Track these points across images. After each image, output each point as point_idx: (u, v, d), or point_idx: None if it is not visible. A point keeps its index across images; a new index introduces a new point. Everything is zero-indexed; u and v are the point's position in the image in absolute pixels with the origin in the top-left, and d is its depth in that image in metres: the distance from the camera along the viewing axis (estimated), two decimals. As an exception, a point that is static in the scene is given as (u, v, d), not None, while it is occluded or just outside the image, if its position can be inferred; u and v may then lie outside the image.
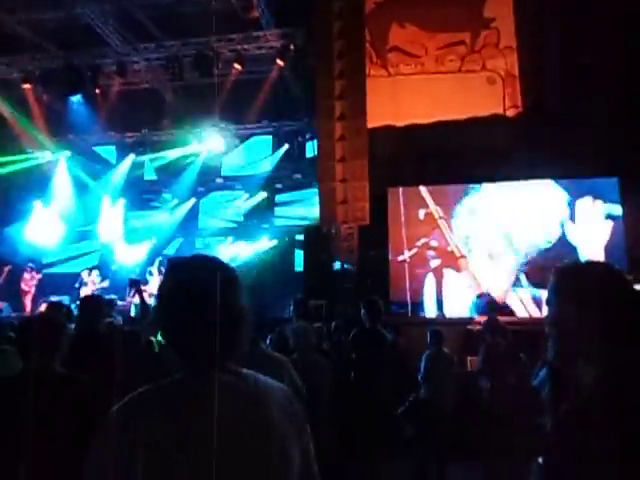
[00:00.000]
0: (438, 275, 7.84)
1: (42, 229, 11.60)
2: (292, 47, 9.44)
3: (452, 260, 7.87)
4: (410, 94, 8.48)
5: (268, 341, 3.69)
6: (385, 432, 2.94)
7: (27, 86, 10.02)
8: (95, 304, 3.54)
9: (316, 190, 9.30)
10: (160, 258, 10.67)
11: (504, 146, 7.56)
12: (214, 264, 1.04)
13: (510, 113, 8.32)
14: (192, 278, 0.99)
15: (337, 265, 8.22)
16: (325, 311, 6.72)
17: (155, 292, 9.52)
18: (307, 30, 9.24)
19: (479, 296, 7.64)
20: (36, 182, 11.88)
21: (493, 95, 8.36)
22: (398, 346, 3.39)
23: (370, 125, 8.21)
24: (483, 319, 5.59)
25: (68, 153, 11.79)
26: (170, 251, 12.29)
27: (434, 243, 7.97)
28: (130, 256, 11.46)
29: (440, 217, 7.99)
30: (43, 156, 11.56)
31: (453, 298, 7.76)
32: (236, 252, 12.06)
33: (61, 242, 11.88)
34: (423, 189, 8.00)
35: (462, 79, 8.41)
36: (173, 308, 0.98)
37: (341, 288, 7.84)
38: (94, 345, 3.14)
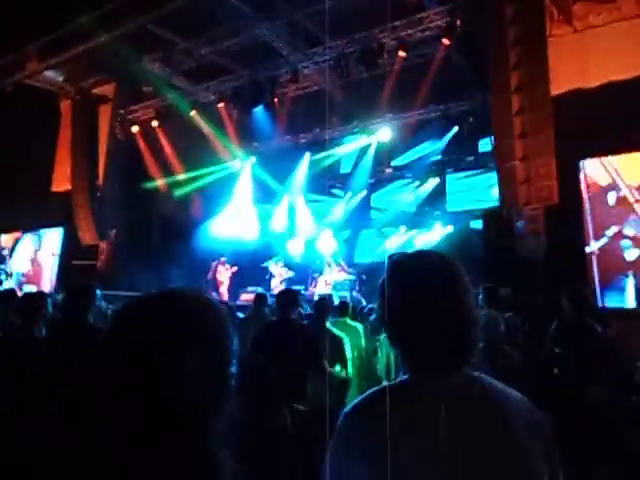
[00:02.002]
0: (637, 269, 6.57)
1: (238, 226, 13.28)
2: (458, 22, 8.94)
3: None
4: (604, 48, 7.27)
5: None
6: (602, 443, 2.55)
7: (221, 105, 11.51)
8: (289, 296, 3.90)
9: (490, 172, 8.69)
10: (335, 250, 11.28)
11: None
12: (438, 260, 0.97)
13: None
14: (418, 276, 0.93)
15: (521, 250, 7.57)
16: (510, 299, 6.26)
17: (331, 280, 10.11)
18: (474, 1, 8.65)
19: None
20: (229, 187, 13.64)
21: None
22: (611, 341, 2.94)
23: (554, 92, 7.31)
24: None
25: (254, 159, 13.22)
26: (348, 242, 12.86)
27: (630, 231, 6.69)
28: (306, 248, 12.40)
29: (637, 200, 6.69)
30: (234, 164, 13.17)
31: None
32: (410, 241, 12.03)
33: (254, 238, 13.36)
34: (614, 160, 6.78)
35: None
36: (399, 309, 0.93)
37: (526, 275, 7.20)
38: (288, 331, 3.52)
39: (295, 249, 12.64)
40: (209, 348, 0.73)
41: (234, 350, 0.77)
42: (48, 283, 12.05)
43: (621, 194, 6.80)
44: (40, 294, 3.72)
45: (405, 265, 1.00)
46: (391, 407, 0.88)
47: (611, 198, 6.88)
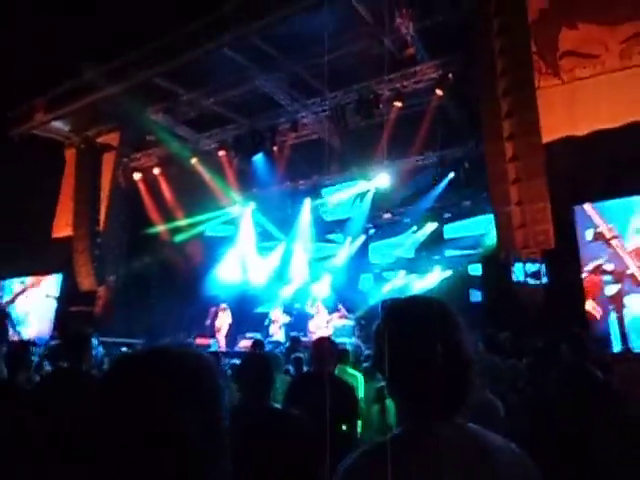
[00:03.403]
0: (617, 303, 6.69)
1: (236, 272, 13.28)
2: (450, 75, 9.34)
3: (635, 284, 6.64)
4: (590, 99, 7.57)
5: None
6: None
7: (222, 153, 11.79)
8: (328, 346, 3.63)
9: (486, 217, 8.80)
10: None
11: None
12: (431, 305, 0.97)
13: None
14: (412, 321, 0.94)
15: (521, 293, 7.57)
16: (510, 344, 6.19)
17: (323, 324, 10.01)
18: (465, 54, 9.06)
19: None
20: (229, 233, 13.76)
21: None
22: (613, 388, 2.89)
23: (546, 140, 7.53)
24: None
25: (253, 205, 13.40)
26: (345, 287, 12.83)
27: (609, 266, 6.90)
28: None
29: (613, 236, 6.97)
30: (233, 210, 13.34)
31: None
32: (409, 286, 12.01)
33: (261, 283, 13.33)
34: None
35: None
36: (395, 355, 0.92)
37: (526, 319, 7.16)
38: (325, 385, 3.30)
39: (288, 294, 12.66)
40: (204, 406, 0.72)
41: (226, 404, 0.77)
42: (45, 329, 11.92)
43: (598, 230, 7.15)
44: (22, 343, 3.65)
45: (399, 311, 1.00)
46: (386, 462, 0.86)
47: (589, 234, 7.25)
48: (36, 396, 2.75)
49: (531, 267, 7.63)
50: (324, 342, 3.68)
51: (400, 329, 0.95)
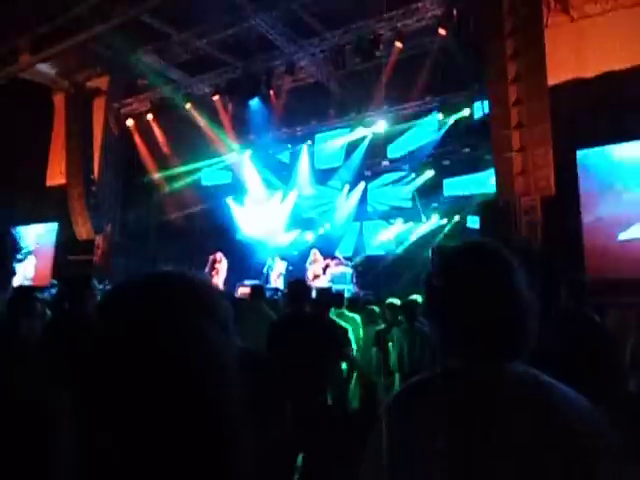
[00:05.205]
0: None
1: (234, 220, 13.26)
2: (454, 12, 8.88)
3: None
4: (601, 38, 7.25)
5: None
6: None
7: (216, 98, 11.41)
8: (302, 287, 3.77)
9: (486, 172, 8.67)
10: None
11: None
12: (490, 250, 0.95)
13: None
14: (471, 267, 0.91)
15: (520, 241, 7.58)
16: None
17: (320, 271, 10.12)
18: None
19: None
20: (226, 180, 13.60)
21: None
22: (609, 333, 2.94)
23: (551, 82, 7.28)
24: None
25: (249, 152, 13.15)
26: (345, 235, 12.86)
27: None
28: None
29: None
30: (231, 158, 13.09)
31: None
32: (406, 233, 12.04)
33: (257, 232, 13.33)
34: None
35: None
36: (454, 298, 0.91)
37: (525, 266, 7.22)
38: (307, 325, 3.41)
39: (286, 241, 12.69)
40: (218, 316, 0.64)
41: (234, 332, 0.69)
42: (44, 278, 11.99)
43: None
44: (26, 288, 3.58)
45: (456, 256, 0.98)
46: (441, 394, 0.85)
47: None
48: (42, 346, 2.74)
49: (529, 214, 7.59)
50: (297, 284, 3.79)
51: (458, 274, 0.93)
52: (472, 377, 0.87)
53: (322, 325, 3.50)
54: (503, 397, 0.83)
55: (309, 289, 3.80)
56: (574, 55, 7.36)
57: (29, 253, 12.44)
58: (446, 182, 12.00)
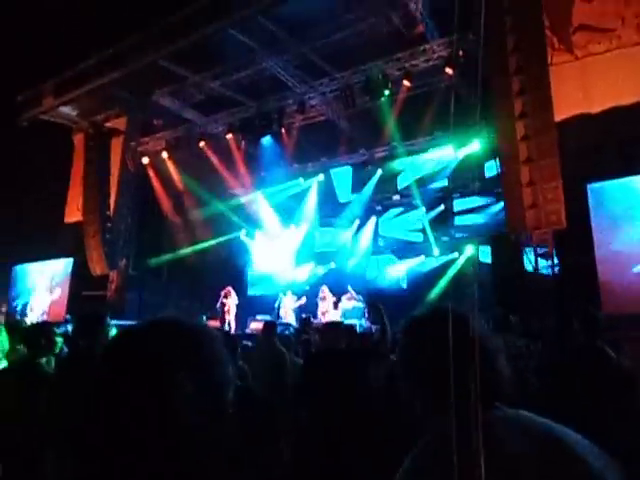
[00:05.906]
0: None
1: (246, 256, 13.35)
2: (461, 53, 9.14)
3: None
4: (605, 75, 7.39)
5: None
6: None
7: (229, 136, 11.73)
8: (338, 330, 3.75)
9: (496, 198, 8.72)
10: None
11: None
12: (455, 321, 0.98)
13: None
14: (439, 330, 0.90)
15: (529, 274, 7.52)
16: (519, 326, 6.17)
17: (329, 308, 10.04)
18: (475, 32, 8.84)
19: None
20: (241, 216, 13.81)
21: None
22: (625, 369, 2.86)
23: (558, 118, 7.38)
24: None
25: (261, 188, 13.39)
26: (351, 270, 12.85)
27: None
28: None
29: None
30: (245, 194, 13.34)
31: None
32: (416, 267, 11.99)
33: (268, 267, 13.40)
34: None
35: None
36: (427, 357, 0.97)
37: (536, 300, 7.12)
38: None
39: (301, 277, 12.69)
40: (203, 371, 0.71)
41: (230, 376, 0.76)
42: (59, 313, 12.10)
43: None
44: (46, 323, 3.66)
45: (424, 329, 1.05)
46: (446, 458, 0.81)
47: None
48: (56, 379, 2.77)
49: (542, 250, 7.56)
50: (334, 328, 3.73)
51: (426, 345, 1.00)
52: (470, 430, 0.87)
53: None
54: (503, 443, 0.84)
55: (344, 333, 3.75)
56: (580, 91, 7.50)
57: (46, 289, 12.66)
58: (457, 216, 12.04)
